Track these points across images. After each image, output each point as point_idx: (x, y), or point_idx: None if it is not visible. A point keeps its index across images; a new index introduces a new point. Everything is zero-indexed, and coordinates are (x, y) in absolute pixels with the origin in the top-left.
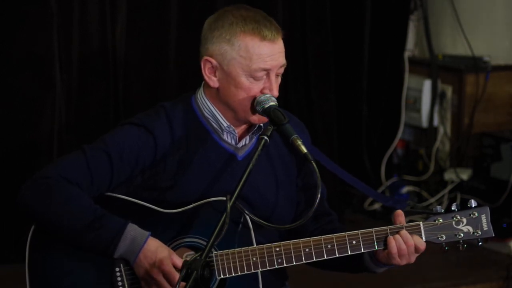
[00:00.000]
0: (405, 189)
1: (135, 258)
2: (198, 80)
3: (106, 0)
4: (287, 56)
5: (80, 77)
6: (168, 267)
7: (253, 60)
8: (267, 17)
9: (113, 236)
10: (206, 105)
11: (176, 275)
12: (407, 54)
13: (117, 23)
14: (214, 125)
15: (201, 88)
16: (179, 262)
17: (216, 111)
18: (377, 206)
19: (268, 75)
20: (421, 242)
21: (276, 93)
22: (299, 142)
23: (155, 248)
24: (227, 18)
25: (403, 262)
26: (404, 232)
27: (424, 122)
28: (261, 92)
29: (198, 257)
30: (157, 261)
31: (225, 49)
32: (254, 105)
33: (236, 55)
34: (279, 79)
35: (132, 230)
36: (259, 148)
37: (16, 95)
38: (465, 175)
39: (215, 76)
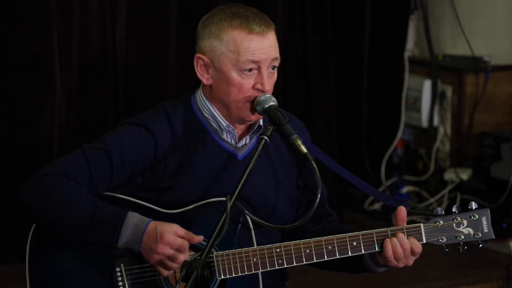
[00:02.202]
0: (405, 189)
1: (140, 243)
2: (198, 80)
3: (106, 0)
4: (287, 57)
5: (80, 77)
6: (171, 237)
7: (241, 53)
8: (258, 13)
9: (114, 225)
10: (205, 104)
11: (183, 242)
12: (407, 54)
13: (117, 23)
14: (214, 125)
15: (200, 88)
16: (181, 231)
17: (215, 111)
18: (377, 206)
19: (259, 69)
20: (417, 244)
21: (267, 87)
22: (299, 142)
23: (154, 226)
24: (217, 15)
25: (401, 264)
26: (400, 235)
27: (424, 122)
28: (253, 87)
29: (198, 257)
30: (159, 236)
31: (215, 45)
32: (254, 105)
33: (225, 49)
34: (274, 76)
35: (134, 217)
36: (259, 148)
37: (16, 95)
38: (465, 175)
39: (207, 73)
